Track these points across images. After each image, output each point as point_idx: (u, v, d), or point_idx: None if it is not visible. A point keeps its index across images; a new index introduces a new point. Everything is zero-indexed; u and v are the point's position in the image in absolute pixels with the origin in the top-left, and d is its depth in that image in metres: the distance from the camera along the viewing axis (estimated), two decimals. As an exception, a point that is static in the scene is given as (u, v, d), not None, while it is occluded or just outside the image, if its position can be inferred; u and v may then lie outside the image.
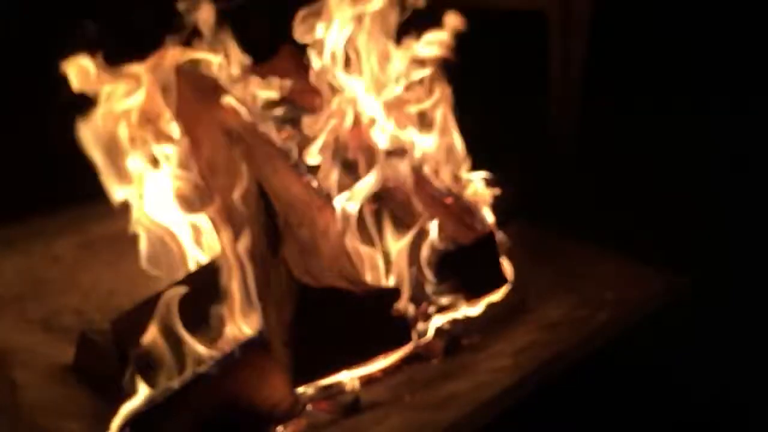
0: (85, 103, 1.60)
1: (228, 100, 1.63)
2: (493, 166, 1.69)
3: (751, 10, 2.80)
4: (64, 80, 1.59)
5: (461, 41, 1.70)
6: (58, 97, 1.58)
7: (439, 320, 1.54)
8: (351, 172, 1.59)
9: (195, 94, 1.67)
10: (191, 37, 1.69)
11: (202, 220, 1.66)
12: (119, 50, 1.60)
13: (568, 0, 2.65)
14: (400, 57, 1.68)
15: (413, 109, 1.70)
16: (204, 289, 1.54)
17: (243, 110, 1.64)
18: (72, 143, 1.66)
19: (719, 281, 1.86)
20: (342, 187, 1.52)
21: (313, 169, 1.56)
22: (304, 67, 1.75)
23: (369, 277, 1.46)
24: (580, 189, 2.42)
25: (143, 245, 1.64)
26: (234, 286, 1.50)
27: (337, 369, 1.39)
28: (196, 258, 1.69)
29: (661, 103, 2.80)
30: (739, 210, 2.29)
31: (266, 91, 1.74)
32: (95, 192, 1.85)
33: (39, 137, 2.20)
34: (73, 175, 2.09)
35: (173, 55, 1.62)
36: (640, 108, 2.81)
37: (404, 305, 1.42)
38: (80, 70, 1.57)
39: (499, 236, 1.60)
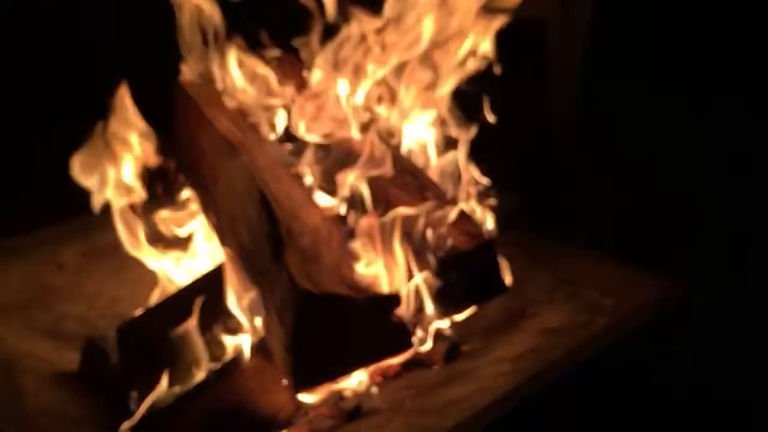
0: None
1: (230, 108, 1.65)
2: (492, 172, 1.70)
3: (751, 10, 2.80)
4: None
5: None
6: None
7: (437, 325, 1.55)
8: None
9: (198, 103, 1.69)
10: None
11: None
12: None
13: (567, 6, 2.67)
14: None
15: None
16: (206, 297, 1.56)
17: (245, 119, 1.66)
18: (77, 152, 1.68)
19: (718, 286, 1.86)
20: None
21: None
22: (304, 74, 1.76)
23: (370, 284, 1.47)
24: (579, 194, 2.42)
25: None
26: (237, 293, 1.52)
27: (338, 375, 1.41)
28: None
29: (661, 106, 2.80)
30: (738, 216, 2.29)
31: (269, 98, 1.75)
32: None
33: (43, 146, 2.22)
34: (77, 184, 2.11)
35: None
36: (639, 111, 2.81)
37: (405, 312, 1.43)
38: None
39: (499, 242, 1.61)
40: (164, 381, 1.43)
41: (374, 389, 1.51)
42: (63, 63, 2.39)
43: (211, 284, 1.58)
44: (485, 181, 1.69)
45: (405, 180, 1.59)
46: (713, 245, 2.15)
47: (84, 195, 1.68)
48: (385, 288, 1.46)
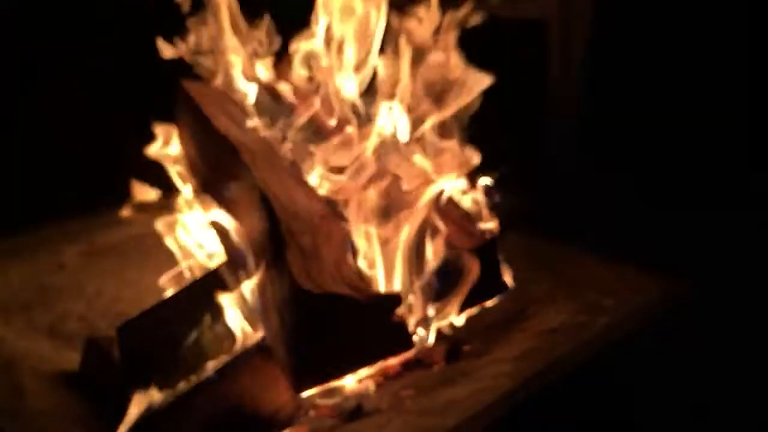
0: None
1: (233, 108, 1.65)
2: (492, 173, 1.70)
3: (752, 12, 2.79)
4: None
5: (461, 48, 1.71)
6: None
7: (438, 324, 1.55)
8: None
9: (200, 102, 1.69)
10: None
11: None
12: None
13: (567, 7, 2.67)
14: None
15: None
16: (207, 296, 1.56)
17: (247, 117, 1.66)
18: (78, 152, 1.68)
19: (718, 286, 1.86)
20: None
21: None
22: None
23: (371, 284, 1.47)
24: (579, 195, 2.43)
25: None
26: (238, 294, 1.52)
27: (339, 374, 1.41)
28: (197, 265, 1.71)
29: (661, 107, 2.80)
30: (738, 216, 2.29)
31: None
32: (100, 201, 1.88)
33: (44, 146, 2.22)
34: (78, 184, 2.12)
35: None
36: (639, 112, 2.81)
37: (406, 311, 1.43)
38: None
39: (499, 243, 1.61)
40: (153, 388, 1.43)
41: (375, 389, 1.51)
42: (62, 62, 2.39)
43: (211, 284, 1.59)
44: (486, 180, 1.69)
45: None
46: (713, 250, 2.15)
47: (84, 195, 1.69)
48: (385, 287, 1.47)
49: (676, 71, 2.83)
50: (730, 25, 2.77)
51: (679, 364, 1.74)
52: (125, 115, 2.21)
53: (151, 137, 1.74)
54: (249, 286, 1.49)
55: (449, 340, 1.60)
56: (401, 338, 1.42)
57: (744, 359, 1.78)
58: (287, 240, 1.38)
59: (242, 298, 1.51)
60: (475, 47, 1.70)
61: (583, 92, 2.74)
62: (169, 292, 1.66)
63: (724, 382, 1.73)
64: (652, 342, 1.64)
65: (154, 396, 1.42)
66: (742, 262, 2.10)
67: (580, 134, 2.74)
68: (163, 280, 1.70)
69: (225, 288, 1.53)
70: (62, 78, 2.42)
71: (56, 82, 2.42)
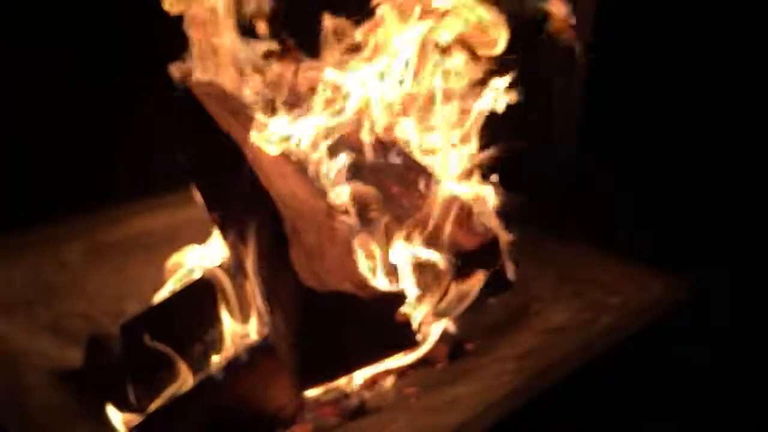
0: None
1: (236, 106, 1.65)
2: (496, 171, 1.71)
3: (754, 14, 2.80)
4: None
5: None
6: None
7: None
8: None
9: (202, 101, 1.69)
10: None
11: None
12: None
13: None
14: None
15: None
16: (210, 294, 1.56)
17: (250, 114, 1.66)
18: (79, 151, 1.68)
19: (721, 284, 1.87)
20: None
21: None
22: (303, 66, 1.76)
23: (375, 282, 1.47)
24: (583, 194, 2.43)
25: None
26: (240, 292, 1.52)
27: (342, 372, 1.41)
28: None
29: (662, 105, 2.80)
30: (739, 213, 2.29)
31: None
32: (102, 199, 1.87)
33: (46, 144, 2.22)
34: (79, 182, 2.12)
35: None
36: (641, 111, 2.81)
37: (409, 309, 1.43)
38: None
39: (503, 241, 1.61)
40: (156, 386, 1.42)
41: (378, 387, 1.52)
42: (61, 62, 2.39)
43: (214, 282, 1.59)
44: (490, 180, 1.69)
45: (409, 178, 1.59)
46: (715, 247, 2.15)
47: (86, 193, 1.69)
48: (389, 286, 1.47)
49: (675, 70, 2.83)
50: (729, 24, 2.78)
51: (682, 360, 1.74)
52: (126, 114, 2.21)
53: (150, 134, 1.73)
54: (252, 285, 1.49)
55: (453, 338, 1.60)
56: (405, 336, 1.42)
57: (744, 358, 1.79)
58: (291, 238, 1.38)
59: (245, 296, 1.51)
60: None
61: (584, 92, 2.74)
62: (173, 290, 1.66)
63: (725, 382, 1.73)
64: (655, 340, 1.64)
65: (157, 394, 1.42)
66: (743, 262, 2.10)
67: (581, 133, 2.75)
68: (165, 277, 1.70)
69: (228, 287, 1.53)
70: (62, 78, 2.41)
71: (56, 81, 2.41)
